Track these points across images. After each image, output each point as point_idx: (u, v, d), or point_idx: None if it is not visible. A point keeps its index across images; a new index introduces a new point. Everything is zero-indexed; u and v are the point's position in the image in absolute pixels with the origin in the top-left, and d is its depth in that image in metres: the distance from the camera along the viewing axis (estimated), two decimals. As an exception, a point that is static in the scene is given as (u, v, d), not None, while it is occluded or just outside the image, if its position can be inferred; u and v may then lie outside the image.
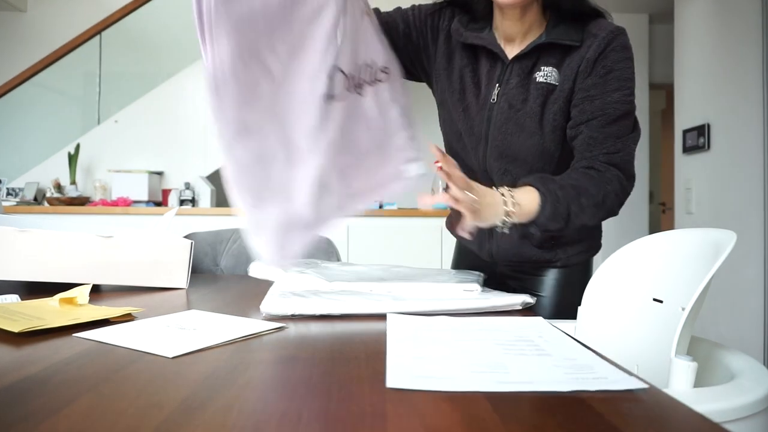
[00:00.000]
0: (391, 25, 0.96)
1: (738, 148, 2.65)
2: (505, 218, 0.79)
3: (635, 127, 0.91)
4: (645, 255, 1.12)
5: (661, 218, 5.21)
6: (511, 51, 0.92)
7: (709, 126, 2.86)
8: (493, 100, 0.92)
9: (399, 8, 0.99)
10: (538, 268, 1.02)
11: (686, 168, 3.10)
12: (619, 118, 0.88)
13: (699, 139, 2.93)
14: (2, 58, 4.34)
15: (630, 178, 0.91)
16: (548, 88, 0.90)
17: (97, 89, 3.95)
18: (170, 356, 0.50)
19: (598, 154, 0.88)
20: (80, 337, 0.57)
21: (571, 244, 1.01)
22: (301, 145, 0.65)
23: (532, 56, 0.90)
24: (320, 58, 0.68)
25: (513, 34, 0.91)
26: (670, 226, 3.89)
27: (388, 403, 0.39)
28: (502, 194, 0.79)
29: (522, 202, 0.80)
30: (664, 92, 5.06)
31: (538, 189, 0.81)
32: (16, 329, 0.57)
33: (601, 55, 0.87)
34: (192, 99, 3.76)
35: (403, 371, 0.46)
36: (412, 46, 0.97)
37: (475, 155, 0.95)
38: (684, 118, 3.13)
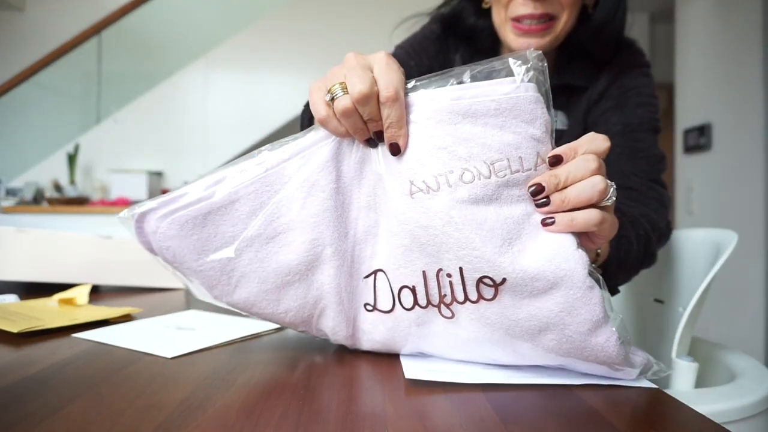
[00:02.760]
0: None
1: (739, 148, 2.65)
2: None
3: (657, 146, 0.78)
4: (645, 255, 1.11)
5: (661, 218, 5.21)
6: None
7: (710, 126, 2.86)
8: None
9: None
10: None
11: (687, 168, 3.10)
12: (648, 129, 0.77)
13: (700, 138, 2.93)
14: (1, 58, 4.34)
15: (667, 192, 0.78)
16: (556, 135, 0.78)
17: (96, 89, 3.95)
18: (169, 357, 0.50)
19: (638, 176, 0.74)
20: (79, 338, 0.57)
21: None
22: None
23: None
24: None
25: None
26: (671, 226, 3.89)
27: (388, 403, 0.39)
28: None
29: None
30: (665, 92, 5.06)
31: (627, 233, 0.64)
32: (14, 329, 0.56)
33: (613, 82, 0.78)
34: (191, 99, 3.77)
35: (418, 365, 0.47)
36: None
37: None
38: (685, 118, 3.13)
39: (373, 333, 0.49)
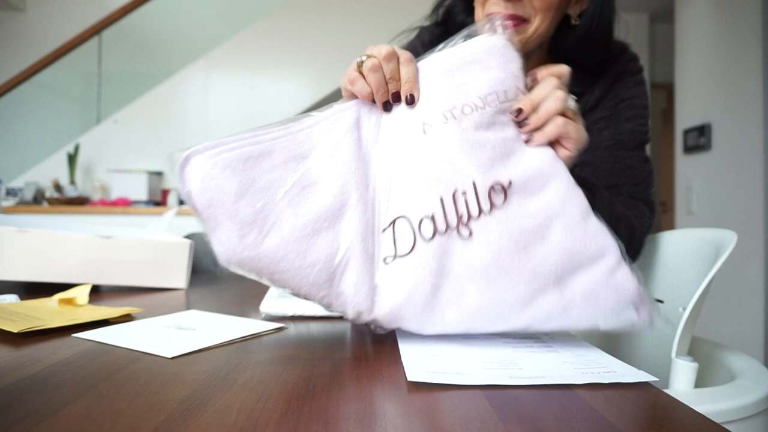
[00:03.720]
0: None
1: (739, 148, 2.65)
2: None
3: (647, 161, 0.81)
4: (645, 255, 1.11)
5: (661, 218, 5.21)
6: None
7: (709, 126, 2.86)
8: None
9: None
10: None
11: (687, 168, 3.10)
12: (638, 145, 0.80)
13: (700, 138, 2.93)
14: (1, 58, 4.34)
15: (654, 212, 0.81)
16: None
17: (97, 89, 3.95)
18: (170, 356, 0.50)
19: (620, 186, 0.77)
20: (79, 338, 0.57)
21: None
22: None
23: None
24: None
25: None
26: (671, 226, 3.89)
27: (388, 403, 0.39)
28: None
29: None
30: (664, 92, 5.06)
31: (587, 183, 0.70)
32: (15, 329, 0.56)
33: (609, 91, 0.80)
34: (192, 99, 3.77)
35: (420, 367, 0.47)
36: None
37: None
38: (685, 118, 3.13)
39: (392, 288, 0.51)
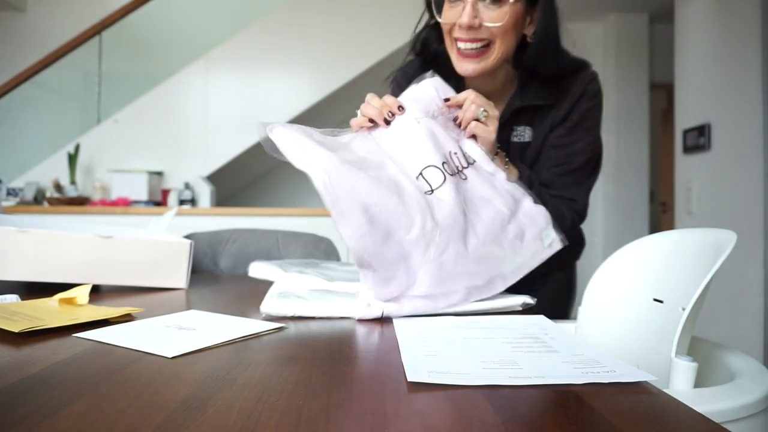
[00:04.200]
0: None
1: (738, 148, 2.65)
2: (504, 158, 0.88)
3: (596, 168, 0.98)
4: (645, 255, 1.12)
5: (661, 218, 5.22)
6: None
7: (709, 126, 2.86)
8: None
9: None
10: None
11: (686, 168, 3.10)
12: (581, 167, 0.95)
13: (699, 139, 2.93)
14: (2, 58, 4.34)
15: (582, 219, 0.99)
16: (523, 146, 0.96)
17: (97, 89, 3.95)
18: (170, 356, 0.50)
19: (557, 197, 0.93)
20: (80, 337, 0.57)
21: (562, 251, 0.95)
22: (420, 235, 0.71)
23: (509, 120, 0.94)
24: (413, 164, 0.77)
25: (486, 93, 0.88)
26: (671, 226, 3.89)
27: (388, 403, 0.39)
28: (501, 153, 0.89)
29: (509, 168, 0.89)
30: (664, 92, 5.06)
31: (521, 172, 0.91)
32: (15, 329, 0.57)
33: (571, 112, 0.93)
34: (192, 99, 3.77)
35: (419, 367, 0.47)
36: None
37: None
38: (684, 118, 3.13)
39: (437, 208, 0.73)
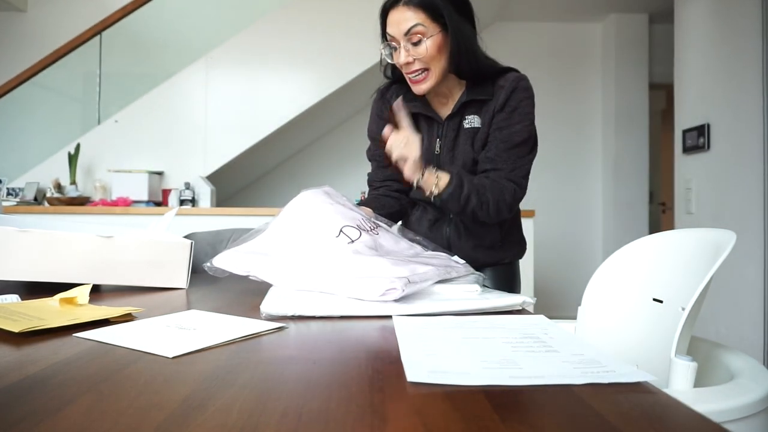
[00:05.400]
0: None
1: (738, 148, 2.65)
2: (432, 181, 1.09)
3: (533, 148, 1.19)
4: (645, 255, 1.12)
5: (661, 218, 5.22)
6: (444, 109, 1.22)
7: (709, 126, 2.86)
8: (437, 152, 1.22)
9: (374, 124, 1.31)
10: (482, 267, 1.24)
11: (686, 168, 3.10)
12: (520, 143, 1.15)
13: (699, 139, 2.93)
14: (2, 58, 4.34)
15: (522, 189, 1.17)
16: (474, 131, 1.19)
17: (97, 89, 3.95)
18: (170, 356, 0.50)
19: (500, 170, 1.14)
20: (80, 337, 0.57)
21: (506, 249, 1.29)
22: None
23: (459, 111, 1.19)
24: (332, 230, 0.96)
25: (442, 96, 1.22)
26: (670, 226, 3.89)
27: (388, 403, 0.39)
28: (429, 171, 1.09)
29: (441, 177, 1.09)
30: (664, 92, 5.06)
31: (452, 178, 1.09)
32: (16, 329, 0.57)
33: (508, 99, 1.15)
34: (192, 99, 3.77)
35: (419, 367, 0.47)
36: None
37: None
38: (684, 118, 3.13)
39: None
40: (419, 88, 1.15)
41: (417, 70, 1.13)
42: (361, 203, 1.25)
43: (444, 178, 1.09)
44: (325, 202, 1.00)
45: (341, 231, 0.93)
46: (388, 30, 1.13)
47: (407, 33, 1.10)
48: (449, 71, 1.16)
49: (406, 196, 1.30)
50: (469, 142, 1.18)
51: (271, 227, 0.97)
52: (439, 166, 1.16)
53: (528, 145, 1.17)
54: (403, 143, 1.05)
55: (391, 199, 1.29)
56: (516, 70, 1.20)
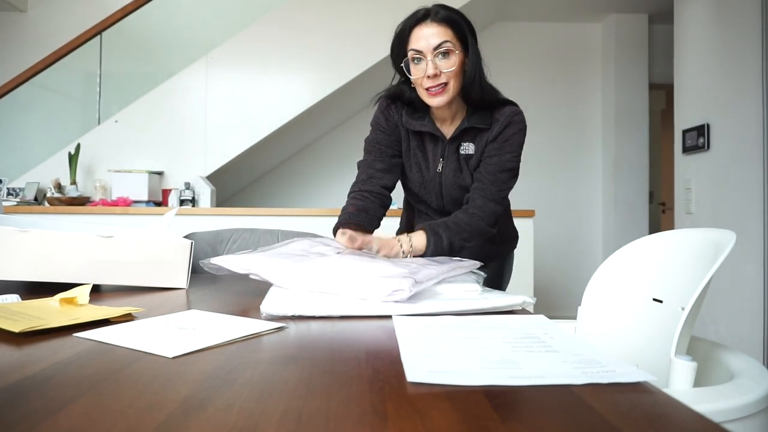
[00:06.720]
0: (392, 153, 1.32)
1: (738, 148, 2.65)
2: (403, 253, 1.14)
3: (515, 175, 1.29)
4: (645, 255, 1.12)
5: (661, 218, 5.22)
6: (446, 130, 1.28)
7: (708, 126, 2.86)
8: (439, 170, 1.29)
9: (376, 137, 1.32)
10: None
11: (686, 168, 3.10)
12: (507, 170, 1.25)
13: (699, 139, 2.93)
14: (2, 58, 4.34)
15: (501, 207, 1.27)
16: (467, 157, 1.27)
17: (97, 89, 3.95)
18: (170, 356, 0.50)
19: (486, 190, 1.24)
20: (80, 337, 0.57)
21: (504, 242, 1.43)
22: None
23: (458, 136, 1.26)
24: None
25: (445, 118, 1.27)
26: (670, 226, 3.89)
27: (388, 403, 0.39)
28: (399, 240, 1.14)
29: (415, 243, 1.15)
30: (663, 92, 5.06)
31: (426, 233, 1.16)
32: (16, 329, 0.57)
33: (502, 132, 1.23)
34: (192, 99, 3.77)
35: (419, 367, 0.47)
36: (398, 146, 1.32)
37: (437, 203, 1.35)
38: (684, 118, 3.13)
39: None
40: (436, 100, 1.19)
41: (440, 84, 1.17)
42: (345, 207, 1.29)
43: (419, 241, 1.16)
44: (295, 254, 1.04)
45: (323, 254, 0.99)
46: (414, 45, 1.17)
47: (437, 47, 1.15)
48: (459, 93, 1.22)
49: (389, 192, 1.33)
50: (466, 167, 1.27)
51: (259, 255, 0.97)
52: (441, 184, 1.29)
53: (513, 172, 1.27)
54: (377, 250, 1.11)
55: (375, 203, 1.31)
56: (514, 104, 1.27)
